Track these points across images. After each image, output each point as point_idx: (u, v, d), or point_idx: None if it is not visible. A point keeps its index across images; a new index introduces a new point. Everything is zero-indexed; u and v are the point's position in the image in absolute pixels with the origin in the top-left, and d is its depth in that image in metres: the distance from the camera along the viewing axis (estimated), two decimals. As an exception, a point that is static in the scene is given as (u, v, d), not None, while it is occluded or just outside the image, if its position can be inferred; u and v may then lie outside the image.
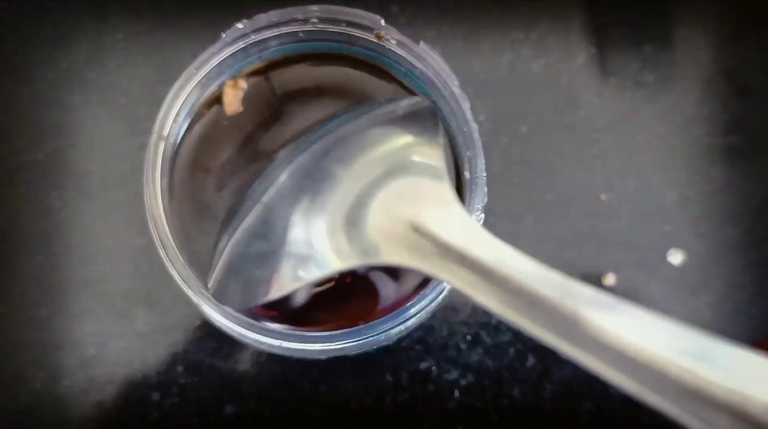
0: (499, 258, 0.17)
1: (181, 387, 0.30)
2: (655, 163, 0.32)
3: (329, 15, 0.25)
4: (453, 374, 0.30)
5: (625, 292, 0.31)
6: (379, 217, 0.20)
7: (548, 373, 0.31)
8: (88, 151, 0.31)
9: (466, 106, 0.25)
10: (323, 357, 0.22)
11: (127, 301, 0.30)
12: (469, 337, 0.31)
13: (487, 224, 0.24)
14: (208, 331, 0.30)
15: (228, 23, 0.32)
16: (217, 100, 0.26)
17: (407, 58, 0.26)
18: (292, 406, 0.30)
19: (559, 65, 0.33)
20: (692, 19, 0.33)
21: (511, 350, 0.31)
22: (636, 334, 0.13)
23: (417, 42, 0.25)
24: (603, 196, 0.32)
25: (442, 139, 0.22)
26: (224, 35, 0.25)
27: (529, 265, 0.16)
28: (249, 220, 0.22)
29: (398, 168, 0.21)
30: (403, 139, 0.22)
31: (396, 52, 0.26)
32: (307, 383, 0.30)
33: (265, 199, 0.22)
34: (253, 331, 0.22)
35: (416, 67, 0.26)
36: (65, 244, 0.31)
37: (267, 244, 0.22)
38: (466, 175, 0.25)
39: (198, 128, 0.26)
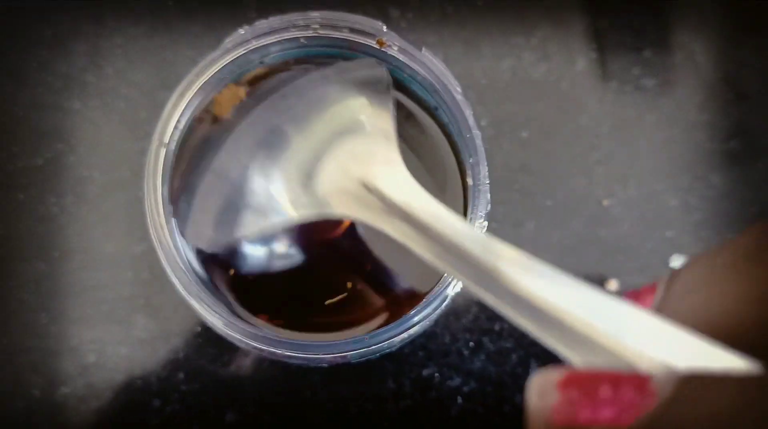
0: (435, 216, 0.19)
1: (182, 394, 0.30)
2: (657, 168, 0.32)
3: (330, 21, 0.25)
4: (455, 380, 0.30)
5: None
6: (331, 172, 0.22)
7: (550, 379, 0.30)
8: (87, 156, 0.31)
9: (468, 112, 0.25)
10: (326, 365, 0.22)
11: (127, 308, 0.30)
12: (471, 344, 0.30)
13: (489, 231, 0.24)
14: (208, 337, 0.30)
15: (227, 27, 0.32)
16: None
17: (409, 65, 0.26)
18: (292, 413, 0.30)
19: (560, 70, 0.32)
20: (692, 23, 0.33)
21: (514, 356, 0.30)
22: (542, 289, 0.16)
23: (419, 48, 0.25)
24: (605, 202, 0.32)
25: (390, 104, 0.24)
26: (226, 41, 0.24)
27: (460, 224, 0.18)
28: (207, 181, 0.23)
29: (351, 127, 0.23)
30: (356, 101, 0.24)
31: (398, 58, 0.25)
32: (308, 389, 0.30)
33: (218, 161, 0.23)
34: (256, 341, 0.21)
35: (418, 74, 0.26)
36: (64, 250, 0.30)
37: (226, 198, 0.23)
38: (469, 181, 0.25)
39: (199, 134, 0.26)
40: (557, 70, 0.32)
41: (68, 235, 0.30)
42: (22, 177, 0.31)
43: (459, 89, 0.25)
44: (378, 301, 0.25)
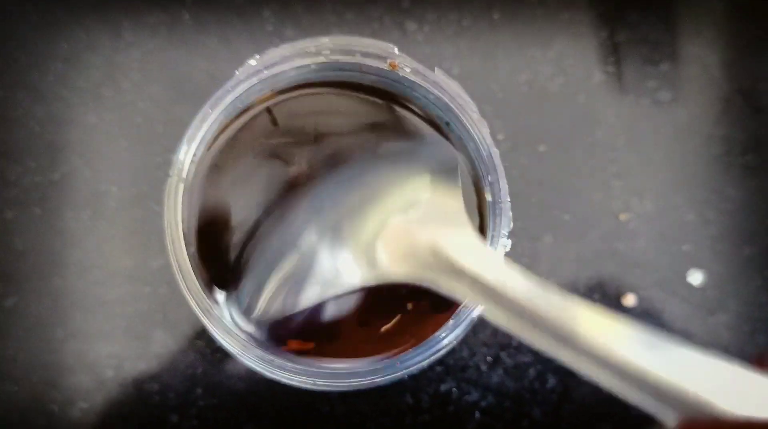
0: (512, 286, 0.18)
1: (199, 409, 0.30)
2: (673, 182, 0.32)
3: (341, 47, 0.25)
4: (473, 395, 0.30)
5: (644, 312, 0.31)
6: (396, 240, 0.22)
7: (568, 394, 0.30)
8: (103, 170, 0.31)
9: (485, 130, 0.25)
10: (354, 389, 0.22)
11: (145, 323, 0.30)
12: (489, 359, 0.30)
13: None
14: (226, 353, 0.30)
15: (243, 41, 0.32)
16: (233, 131, 0.26)
17: (422, 85, 0.25)
18: (310, 428, 0.30)
19: (577, 84, 0.32)
20: (708, 37, 0.33)
21: (531, 371, 0.30)
22: (619, 345, 0.15)
23: (432, 69, 0.25)
24: (622, 216, 0.32)
25: (459, 181, 0.23)
26: (237, 73, 0.24)
27: (536, 290, 0.18)
28: (288, 262, 0.23)
29: (416, 202, 0.23)
30: (425, 179, 0.23)
31: (411, 79, 0.25)
32: (326, 405, 0.30)
33: (297, 242, 0.23)
34: (284, 371, 0.21)
35: (431, 93, 0.25)
36: (81, 265, 0.30)
37: (297, 276, 0.22)
38: (488, 197, 0.25)
39: (215, 162, 0.25)
40: (574, 84, 0.32)
41: (85, 250, 0.30)
42: (38, 192, 0.31)
43: (474, 108, 0.25)
44: (410, 322, 0.25)
